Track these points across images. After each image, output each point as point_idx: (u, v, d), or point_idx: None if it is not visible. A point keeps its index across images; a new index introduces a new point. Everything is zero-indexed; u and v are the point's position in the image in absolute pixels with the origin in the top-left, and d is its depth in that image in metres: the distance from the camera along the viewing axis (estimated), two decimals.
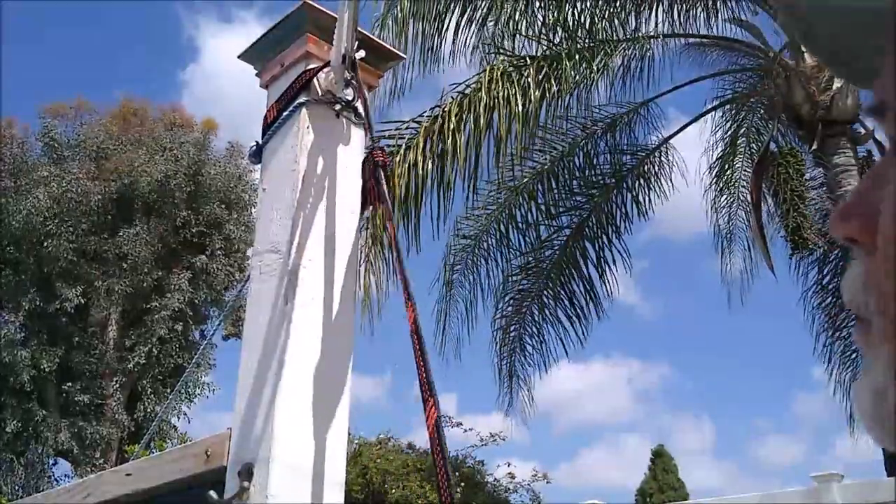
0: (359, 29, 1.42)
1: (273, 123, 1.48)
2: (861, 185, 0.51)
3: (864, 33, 0.50)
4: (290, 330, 1.31)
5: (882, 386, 0.46)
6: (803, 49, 8.55)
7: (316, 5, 1.44)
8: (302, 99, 1.43)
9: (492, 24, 8.31)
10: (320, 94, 1.44)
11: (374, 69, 1.49)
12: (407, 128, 7.89)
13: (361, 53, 1.44)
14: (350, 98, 1.42)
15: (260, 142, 1.50)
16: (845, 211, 0.51)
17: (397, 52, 1.57)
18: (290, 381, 1.29)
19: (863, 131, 8.67)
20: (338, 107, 1.44)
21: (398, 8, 8.11)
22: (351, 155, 1.42)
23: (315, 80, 1.44)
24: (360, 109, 1.45)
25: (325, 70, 1.43)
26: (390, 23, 8.07)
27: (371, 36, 1.48)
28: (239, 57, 1.58)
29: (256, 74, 1.57)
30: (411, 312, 1.11)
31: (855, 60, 0.53)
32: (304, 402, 1.31)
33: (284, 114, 1.44)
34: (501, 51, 8.19)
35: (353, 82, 1.41)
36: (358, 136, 1.50)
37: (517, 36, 8.33)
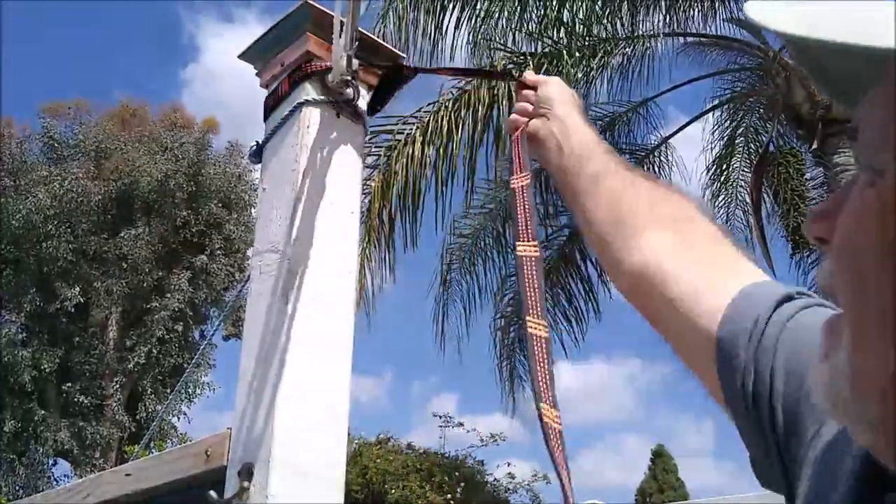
0: (359, 29, 1.42)
1: (273, 123, 1.48)
2: (837, 192, 0.58)
3: (863, 72, 0.54)
4: (290, 330, 1.31)
5: (837, 370, 0.54)
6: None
7: (316, 5, 1.44)
8: (302, 98, 1.43)
9: (492, 20, 8.31)
10: (321, 93, 1.44)
11: (375, 69, 1.49)
12: (406, 123, 7.90)
13: (360, 54, 1.44)
14: (350, 98, 1.42)
15: (260, 141, 1.50)
16: (817, 213, 0.58)
17: (397, 51, 1.57)
18: (290, 381, 1.29)
19: None
20: (338, 106, 1.44)
21: (399, 3, 8.11)
22: (350, 154, 1.42)
23: (315, 79, 1.44)
24: (360, 109, 1.45)
25: (326, 69, 1.43)
26: (391, 15, 8.08)
27: (371, 35, 1.48)
28: (239, 57, 1.58)
29: (256, 74, 1.57)
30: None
31: (858, 95, 0.57)
32: (304, 402, 1.31)
33: (285, 113, 1.45)
34: (501, 47, 8.19)
35: (353, 82, 1.41)
36: (358, 135, 1.50)
37: (517, 33, 8.34)
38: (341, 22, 1.40)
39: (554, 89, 1.34)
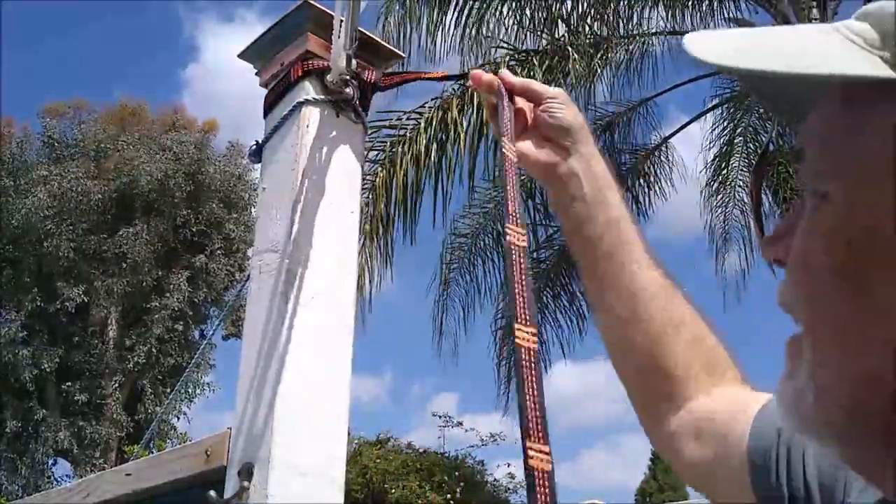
0: (359, 28, 1.42)
1: (273, 122, 1.48)
2: (788, 215, 0.60)
3: (801, 92, 0.58)
4: (290, 329, 1.31)
5: (802, 387, 0.56)
6: None
7: (316, 4, 1.44)
8: (301, 98, 1.43)
9: (493, 17, 8.30)
10: (320, 92, 1.44)
11: (374, 68, 1.49)
12: (409, 118, 7.90)
13: (360, 53, 1.44)
14: (350, 97, 1.42)
15: (259, 141, 1.50)
16: (772, 236, 0.61)
17: (397, 51, 1.57)
18: (290, 380, 1.29)
19: None
20: (337, 106, 1.44)
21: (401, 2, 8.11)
22: (350, 153, 1.42)
23: (315, 79, 1.44)
24: (360, 108, 1.45)
25: (325, 69, 1.43)
26: (393, 11, 8.07)
27: (371, 35, 1.48)
28: (239, 56, 1.58)
29: (256, 73, 1.57)
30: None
31: (793, 109, 0.62)
32: (305, 401, 1.31)
33: (284, 113, 1.44)
34: (504, 44, 8.19)
35: (353, 81, 1.41)
36: (358, 134, 1.50)
37: (519, 30, 8.33)
38: (341, 21, 1.40)
39: (571, 111, 1.10)
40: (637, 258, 1.03)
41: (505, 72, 1.15)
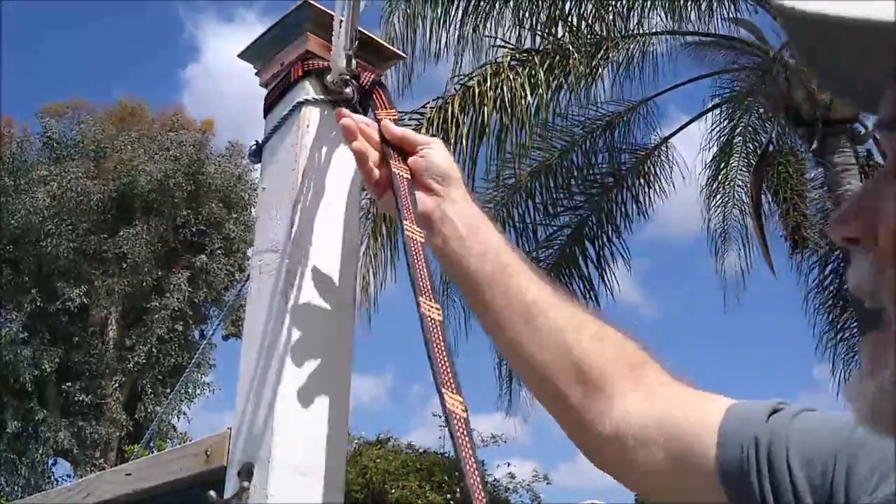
0: (360, 28, 1.42)
1: (272, 122, 1.48)
2: (859, 191, 0.57)
3: (864, 54, 0.52)
4: (290, 329, 1.31)
5: (887, 387, 0.51)
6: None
7: (317, 4, 1.44)
8: (301, 98, 1.43)
9: (495, 16, 8.31)
10: (320, 92, 1.44)
11: (375, 68, 1.49)
12: (410, 118, 7.91)
13: (360, 53, 1.44)
14: (350, 97, 1.42)
15: (259, 141, 1.50)
16: (844, 215, 0.56)
17: (397, 51, 1.57)
18: (290, 380, 1.29)
19: (863, 130, 8.68)
20: (338, 105, 1.44)
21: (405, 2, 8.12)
22: (350, 154, 1.42)
23: (315, 79, 1.44)
24: (360, 108, 1.45)
25: (325, 69, 1.43)
26: (400, 7, 8.08)
27: (372, 35, 1.48)
28: (239, 56, 1.58)
29: (256, 73, 1.57)
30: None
31: (856, 83, 0.56)
32: (305, 402, 1.31)
33: (284, 113, 1.44)
34: (505, 43, 8.20)
35: (353, 81, 1.41)
36: None
37: (521, 29, 8.33)
38: (340, 21, 1.40)
39: (446, 157, 1.19)
40: (523, 276, 1.07)
41: (387, 123, 1.24)
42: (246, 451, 1.28)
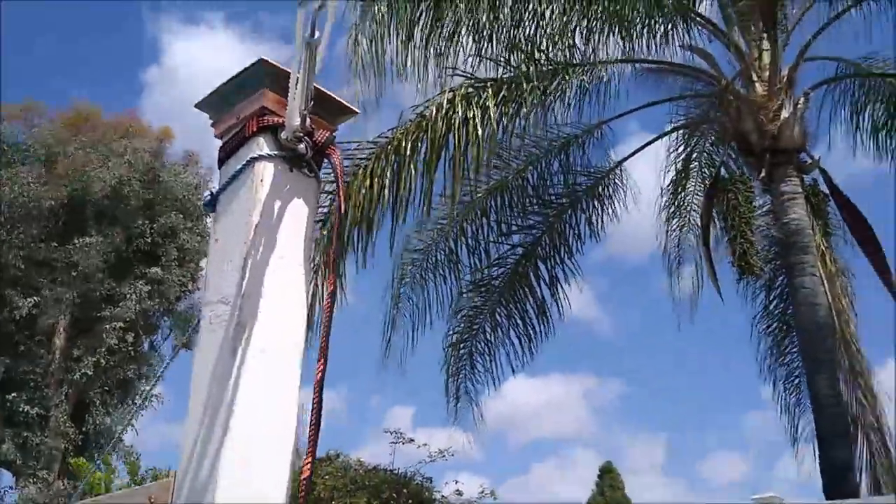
0: (315, 85, 1.46)
1: (227, 174, 1.51)
2: None
3: None
4: (237, 381, 1.34)
5: None
6: (754, 79, 8.72)
7: (273, 62, 1.48)
8: (256, 153, 1.47)
9: (454, 44, 8.36)
10: (274, 148, 1.48)
11: (329, 123, 1.53)
12: (367, 147, 7.92)
13: (315, 108, 1.48)
14: (303, 153, 1.46)
15: (214, 192, 1.53)
16: None
17: (351, 106, 1.61)
18: (236, 431, 1.33)
19: (809, 160, 8.88)
20: (291, 161, 1.48)
21: (368, 26, 8.13)
22: (302, 208, 1.47)
23: (269, 134, 1.48)
24: (314, 164, 1.49)
25: (281, 125, 1.47)
26: (368, 27, 8.08)
27: (326, 91, 1.52)
28: (196, 106, 1.61)
29: (212, 124, 1.60)
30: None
31: None
32: (249, 451, 1.34)
33: (238, 167, 1.48)
34: (461, 72, 8.25)
35: (307, 139, 1.45)
36: (311, 189, 1.54)
37: (476, 59, 8.40)
38: (297, 79, 1.44)
39: None
40: None
41: None
42: (190, 499, 1.31)
